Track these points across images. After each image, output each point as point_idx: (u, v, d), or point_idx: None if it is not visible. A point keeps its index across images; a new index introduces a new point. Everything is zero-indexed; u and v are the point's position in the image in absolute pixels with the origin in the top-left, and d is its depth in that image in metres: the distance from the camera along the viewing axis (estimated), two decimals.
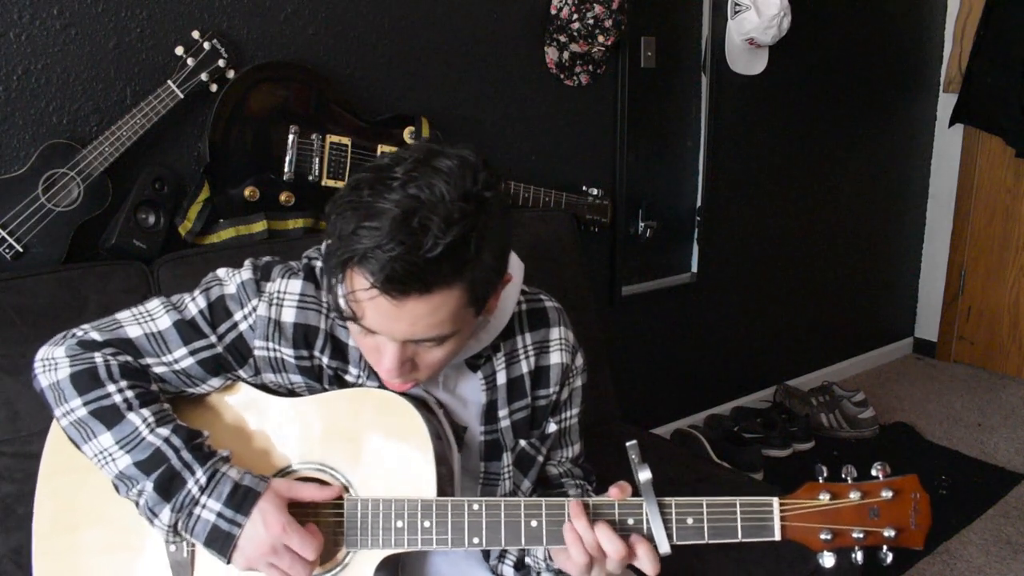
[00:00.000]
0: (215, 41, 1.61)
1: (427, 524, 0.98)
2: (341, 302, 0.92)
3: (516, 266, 1.10)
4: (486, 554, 1.17)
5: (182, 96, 1.58)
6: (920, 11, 3.27)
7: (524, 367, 1.13)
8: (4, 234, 1.45)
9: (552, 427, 1.17)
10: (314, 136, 1.73)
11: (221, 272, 1.08)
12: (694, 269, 2.74)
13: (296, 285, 1.05)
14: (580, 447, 1.24)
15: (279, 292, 1.04)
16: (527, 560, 1.15)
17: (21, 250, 1.46)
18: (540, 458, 1.16)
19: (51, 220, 1.48)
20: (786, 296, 3.11)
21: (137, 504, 0.98)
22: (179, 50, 1.59)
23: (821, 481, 0.97)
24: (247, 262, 1.08)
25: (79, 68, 1.55)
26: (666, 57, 2.48)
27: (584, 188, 2.30)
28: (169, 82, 1.57)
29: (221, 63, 1.62)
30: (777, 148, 2.91)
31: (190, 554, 1.03)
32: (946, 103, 3.35)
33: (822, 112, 3.02)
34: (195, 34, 1.61)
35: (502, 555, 1.16)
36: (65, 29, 1.52)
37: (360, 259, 0.85)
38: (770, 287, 3.04)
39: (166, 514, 0.96)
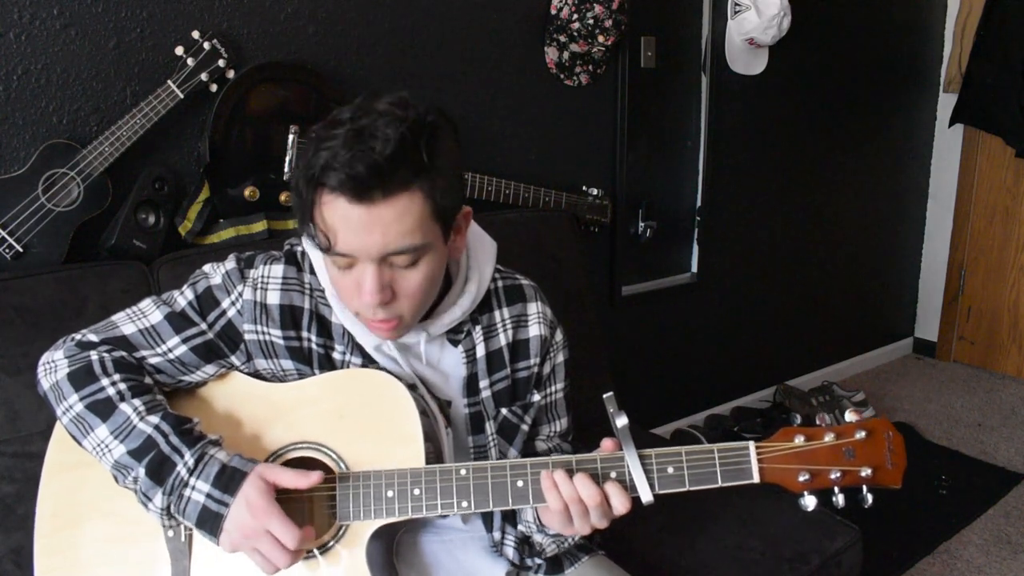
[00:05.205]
0: (215, 41, 1.61)
1: (417, 492, 1.02)
2: (318, 236, 0.97)
3: (488, 241, 1.18)
4: (490, 533, 1.20)
5: (182, 96, 1.58)
6: (920, 11, 3.27)
7: (503, 339, 1.18)
8: (4, 234, 1.45)
9: (536, 396, 1.22)
10: None
11: (207, 267, 1.13)
12: (694, 269, 2.74)
13: (278, 269, 1.11)
14: (568, 422, 1.28)
15: (263, 277, 1.10)
16: (520, 527, 1.18)
17: (21, 250, 1.46)
18: (524, 427, 1.20)
19: (51, 220, 1.49)
20: (786, 296, 3.11)
21: (134, 492, 1.01)
22: (179, 50, 1.59)
23: (796, 426, 1.01)
24: (231, 255, 1.14)
25: (79, 68, 1.55)
26: (666, 57, 2.48)
27: (584, 188, 2.30)
28: (169, 82, 1.57)
29: (221, 63, 1.62)
30: (777, 148, 2.91)
31: (187, 539, 1.06)
32: (946, 103, 3.36)
33: (822, 112, 3.02)
34: (195, 34, 1.61)
35: (503, 537, 1.19)
36: (65, 29, 1.52)
37: (322, 171, 0.92)
38: (770, 287, 3.04)
39: (159, 498, 0.99)
